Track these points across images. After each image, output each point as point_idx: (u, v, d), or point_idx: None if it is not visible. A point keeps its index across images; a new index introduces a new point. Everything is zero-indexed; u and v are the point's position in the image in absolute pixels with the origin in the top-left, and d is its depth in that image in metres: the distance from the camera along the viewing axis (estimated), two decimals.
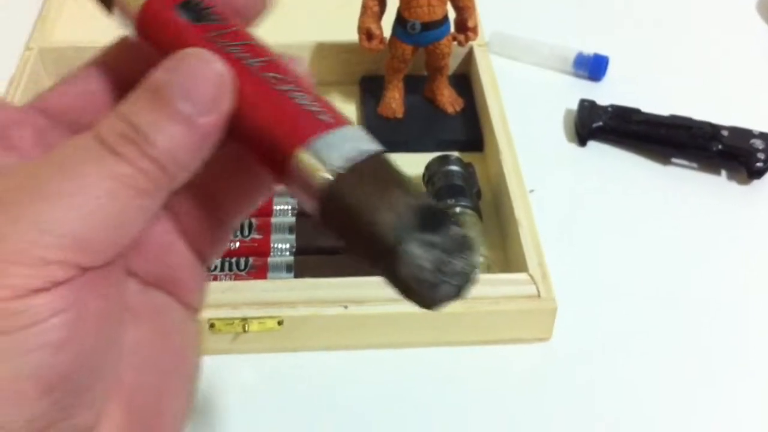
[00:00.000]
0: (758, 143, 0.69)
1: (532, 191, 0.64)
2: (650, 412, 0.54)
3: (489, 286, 0.56)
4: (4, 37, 0.76)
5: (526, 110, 0.73)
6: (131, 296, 0.27)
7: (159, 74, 0.24)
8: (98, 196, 0.23)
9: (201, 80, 0.24)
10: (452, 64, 0.74)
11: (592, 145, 0.73)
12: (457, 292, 0.23)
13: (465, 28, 0.70)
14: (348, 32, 0.71)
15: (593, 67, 0.78)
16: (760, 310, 0.61)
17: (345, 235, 0.24)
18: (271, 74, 0.25)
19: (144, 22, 0.27)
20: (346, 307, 0.55)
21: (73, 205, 0.23)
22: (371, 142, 0.24)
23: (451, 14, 0.70)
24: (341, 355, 0.57)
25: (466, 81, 0.76)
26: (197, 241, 0.29)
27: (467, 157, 0.68)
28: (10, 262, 0.22)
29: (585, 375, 0.56)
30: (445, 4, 0.68)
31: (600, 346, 0.58)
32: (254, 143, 0.25)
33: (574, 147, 0.73)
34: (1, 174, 0.24)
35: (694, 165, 0.71)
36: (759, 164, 0.68)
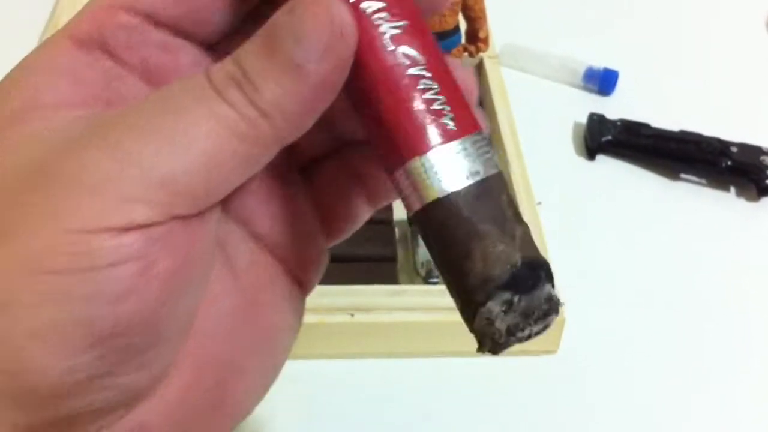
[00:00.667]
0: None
1: (540, 203, 0.64)
2: (658, 427, 0.54)
3: None
4: (16, 36, 0.76)
5: (535, 123, 0.73)
6: (239, 257, 0.25)
7: (276, 16, 0.22)
8: (196, 135, 0.21)
9: (314, 24, 0.22)
10: None
11: (601, 159, 0.73)
12: (520, 343, 0.22)
13: (476, 39, 0.70)
14: None
15: (603, 81, 0.78)
16: None
17: (434, 252, 0.23)
18: (404, 48, 0.22)
19: None
20: (352, 315, 0.55)
21: (166, 141, 0.21)
22: (489, 161, 0.23)
23: (462, 25, 0.70)
24: (347, 363, 0.56)
25: None
26: (330, 217, 0.27)
27: None
28: (86, 192, 0.20)
29: (592, 389, 0.56)
30: (456, 14, 0.68)
31: (607, 359, 0.58)
32: (368, 125, 0.23)
33: (582, 160, 0.73)
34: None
35: (703, 181, 0.71)
36: None
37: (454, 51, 0.69)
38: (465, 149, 0.22)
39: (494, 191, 0.23)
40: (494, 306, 0.21)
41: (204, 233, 0.22)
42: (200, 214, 0.22)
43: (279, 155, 0.23)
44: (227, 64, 0.22)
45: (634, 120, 0.73)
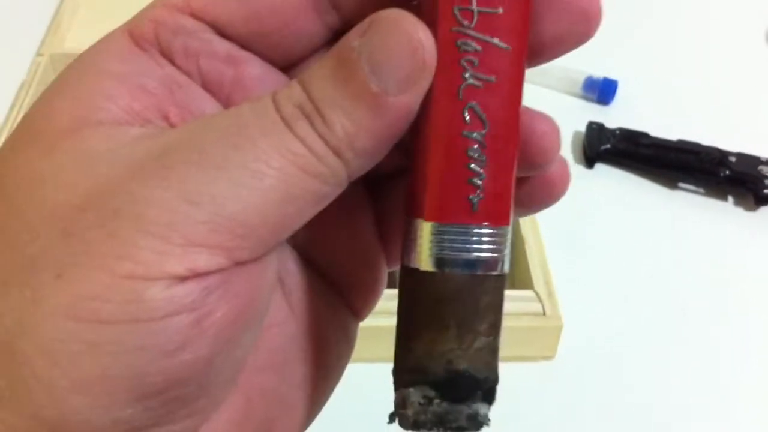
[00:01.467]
0: (766, 170, 0.69)
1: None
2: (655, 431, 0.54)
3: None
4: (16, 42, 0.77)
5: None
6: (295, 285, 0.24)
7: (349, 38, 0.20)
8: (267, 174, 0.19)
9: (394, 50, 0.19)
10: None
11: (600, 168, 0.73)
12: None
13: None
14: None
15: (602, 90, 0.78)
16: (767, 334, 0.60)
17: (399, 307, 0.22)
18: (473, 105, 0.20)
19: None
20: None
21: (235, 180, 0.19)
22: (496, 259, 0.21)
23: None
24: (348, 367, 0.56)
25: None
26: (394, 239, 0.25)
27: None
28: (146, 233, 0.18)
29: (589, 395, 0.56)
30: None
31: (605, 365, 0.58)
32: (410, 153, 0.22)
33: (581, 169, 0.73)
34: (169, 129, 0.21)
35: (701, 190, 0.71)
36: (766, 191, 0.68)
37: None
38: (475, 237, 0.21)
39: (480, 293, 0.21)
40: (413, 395, 0.21)
41: (264, 277, 0.21)
42: (262, 256, 0.20)
43: None
44: (295, 89, 0.20)
45: (633, 129, 0.73)
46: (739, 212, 0.69)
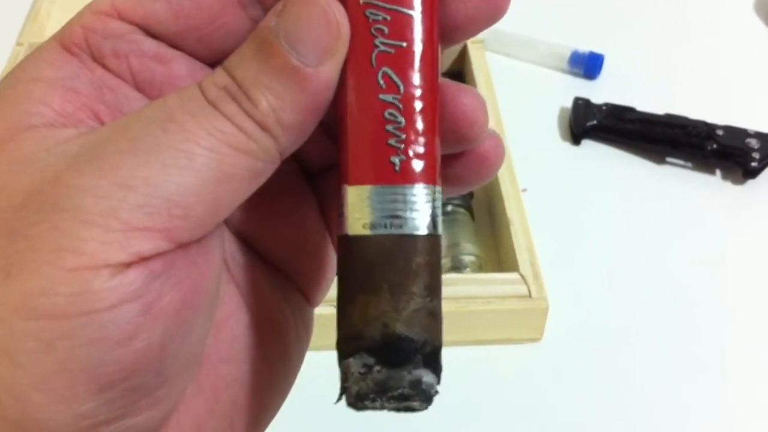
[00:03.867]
0: (753, 143, 0.68)
1: (524, 190, 0.63)
2: (642, 413, 0.54)
3: (480, 285, 0.55)
4: None
5: (520, 108, 0.73)
6: (243, 274, 0.24)
7: (267, 19, 0.21)
8: (195, 153, 0.20)
9: (310, 24, 0.21)
10: (446, 61, 0.74)
11: (587, 144, 0.72)
12: (376, 410, 0.21)
13: None
14: None
15: (588, 65, 0.78)
16: (755, 309, 0.60)
17: (338, 275, 0.22)
18: (386, 70, 0.21)
19: None
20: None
21: (167, 162, 0.19)
22: (424, 218, 0.21)
23: None
24: (331, 355, 0.56)
25: (460, 78, 0.76)
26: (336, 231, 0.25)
27: None
28: (86, 223, 0.19)
29: (576, 376, 0.56)
30: None
31: (592, 346, 0.57)
32: (336, 129, 0.22)
33: (568, 145, 0.72)
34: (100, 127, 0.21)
35: (689, 164, 0.71)
36: (754, 164, 0.68)
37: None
38: (400, 197, 0.21)
39: (411, 253, 0.21)
40: (353, 365, 0.21)
41: (209, 259, 0.21)
42: (204, 238, 0.21)
43: (283, 164, 0.22)
44: (219, 75, 0.21)
45: (620, 104, 0.72)
46: (727, 186, 0.69)
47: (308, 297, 0.27)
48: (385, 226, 0.21)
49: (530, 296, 0.55)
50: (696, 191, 0.69)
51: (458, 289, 0.55)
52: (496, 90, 0.70)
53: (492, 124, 0.67)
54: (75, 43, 0.22)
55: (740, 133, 0.69)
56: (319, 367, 0.53)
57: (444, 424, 0.53)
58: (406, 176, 0.21)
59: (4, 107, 0.21)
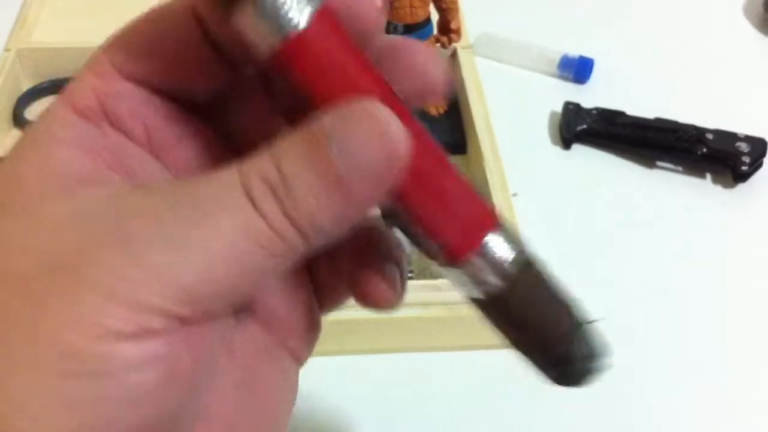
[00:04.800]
0: (743, 146, 0.68)
1: (515, 195, 0.63)
2: (634, 415, 0.54)
3: None
4: None
5: (510, 112, 0.73)
6: (234, 333, 0.25)
7: (326, 120, 0.20)
8: (223, 251, 0.20)
9: (370, 145, 0.20)
10: None
11: (577, 148, 0.72)
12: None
13: (448, 30, 0.70)
14: None
15: (578, 69, 0.78)
16: (745, 312, 0.60)
17: (508, 329, 0.26)
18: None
19: (301, 47, 0.21)
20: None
21: (195, 258, 0.20)
22: (523, 240, 0.24)
23: (434, 16, 0.69)
24: (322, 361, 0.56)
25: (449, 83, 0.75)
26: (324, 289, 0.26)
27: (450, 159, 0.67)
28: (105, 298, 0.19)
29: None
30: (427, 5, 0.68)
31: None
32: (413, 226, 0.23)
33: (558, 150, 0.72)
34: (138, 191, 0.22)
35: (679, 168, 0.70)
36: (744, 167, 0.68)
37: (426, 42, 0.69)
38: (510, 234, 0.25)
39: (540, 267, 0.26)
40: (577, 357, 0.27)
41: (219, 329, 0.23)
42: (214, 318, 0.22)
43: None
44: (263, 162, 0.21)
45: (610, 108, 0.72)
46: (718, 190, 0.69)
47: (296, 356, 0.27)
48: (521, 264, 0.26)
49: None
50: (686, 195, 0.69)
51: (451, 295, 0.54)
52: (485, 95, 0.70)
53: (482, 130, 0.67)
54: (89, 107, 0.23)
55: (730, 137, 0.69)
56: (318, 371, 0.53)
57: (436, 429, 0.53)
58: (496, 221, 0.25)
59: (27, 167, 0.22)
